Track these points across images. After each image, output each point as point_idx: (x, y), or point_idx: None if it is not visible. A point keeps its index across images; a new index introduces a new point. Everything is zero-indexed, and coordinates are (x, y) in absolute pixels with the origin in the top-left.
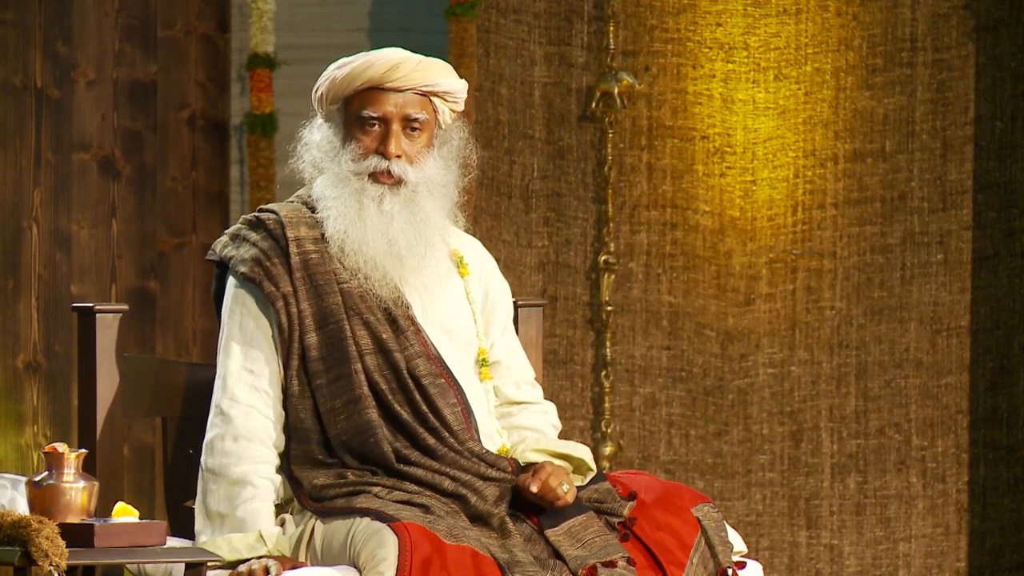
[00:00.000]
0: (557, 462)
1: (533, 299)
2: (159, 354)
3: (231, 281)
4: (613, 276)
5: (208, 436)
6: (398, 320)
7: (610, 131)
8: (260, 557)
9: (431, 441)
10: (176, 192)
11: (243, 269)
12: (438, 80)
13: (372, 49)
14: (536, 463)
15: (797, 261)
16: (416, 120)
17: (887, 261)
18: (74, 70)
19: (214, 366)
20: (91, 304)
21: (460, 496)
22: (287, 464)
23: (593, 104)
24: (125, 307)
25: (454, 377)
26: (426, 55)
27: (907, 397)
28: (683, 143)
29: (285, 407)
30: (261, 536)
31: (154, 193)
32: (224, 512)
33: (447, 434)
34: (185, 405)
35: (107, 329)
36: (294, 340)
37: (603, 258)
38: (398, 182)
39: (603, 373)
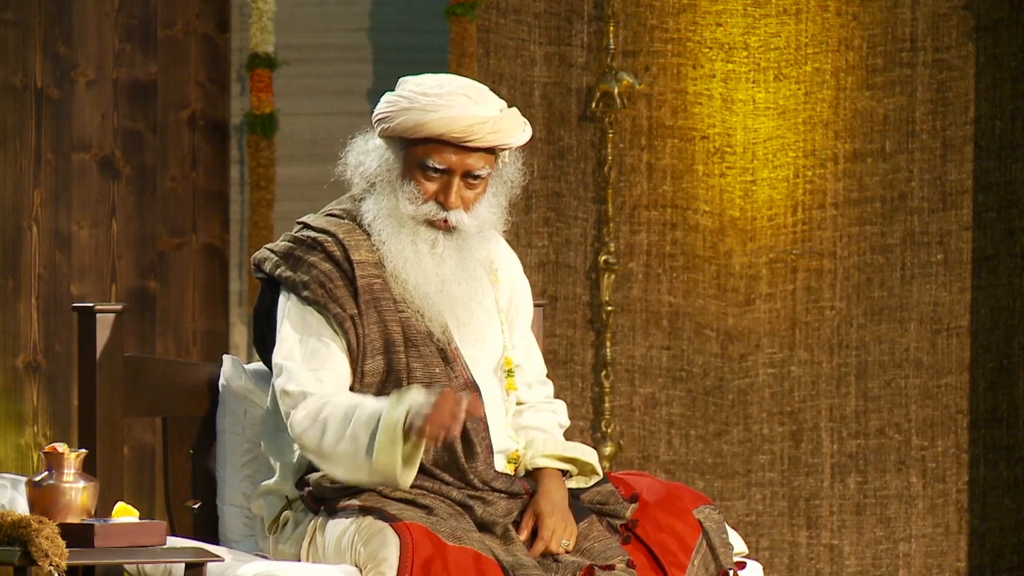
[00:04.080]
0: (564, 466)
1: (533, 299)
2: (159, 354)
3: (292, 300)
4: (613, 276)
5: (288, 424)
6: (446, 352)
7: (610, 131)
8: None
9: (447, 478)
10: (176, 192)
11: (306, 293)
12: (510, 141)
13: (372, 49)
14: (537, 509)
15: (797, 261)
16: (478, 176)
17: (887, 261)
18: (74, 70)
19: (214, 366)
20: (91, 304)
21: (467, 506)
22: (300, 472)
23: (593, 104)
24: (125, 307)
25: (483, 404)
26: (426, 55)
27: (907, 397)
28: (683, 143)
29: None
30: (383, 417)
31: (154, 193)
32: (339, 438)
33: (472, 476)
34: (185, 405)
35: (107, 329)
36: (357, 363)
37: (603, 258)
38: (452, 229)
39: (603, 373)
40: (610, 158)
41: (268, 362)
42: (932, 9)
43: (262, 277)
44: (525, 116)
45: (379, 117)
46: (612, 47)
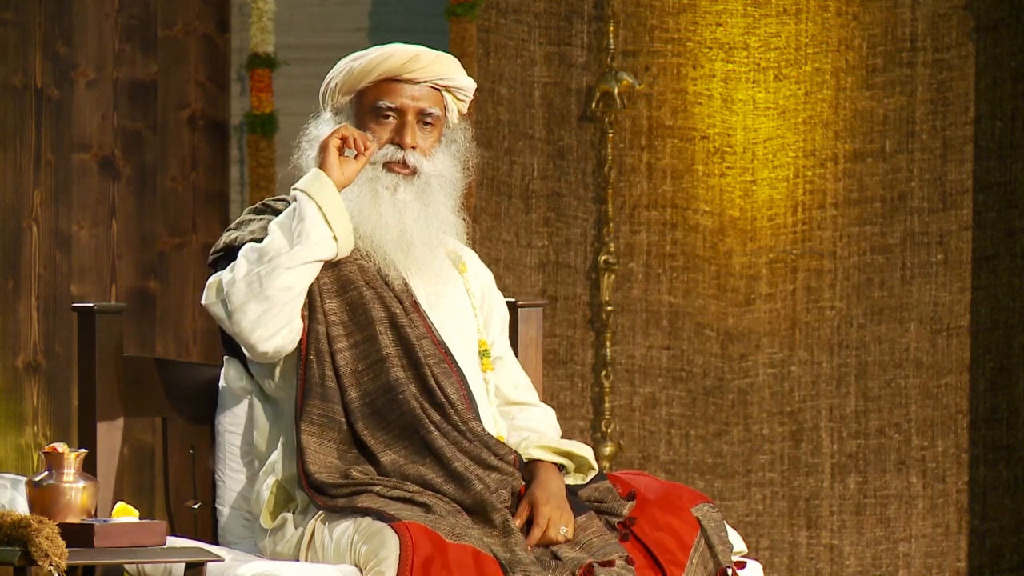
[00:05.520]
0: (559, 459)
1: (533, 299)
2: (159, 354)
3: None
4: (613, 276)
5: (226, 299)
6: (404, 303)
7: (610, 131)
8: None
9: (436, 417)
10: (176, 192)
11: (254, 237)
12: (454, 75)
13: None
14: (533, 498)
15: (797, 261)
16: (430, 115)
17: (887, 261)
18: (74, 70)
19: (214, 366)
20: (91, 304)
21: (466, 479)
22: (296, 435)
23: (593, 104)
24: (125, 307)
25: (456, 363)
26: None
27: (907, 397)
28: (683, 143)
29: (309, 368)
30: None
31: (154, 193)
32: (261, 245)
33: (451, 411)
34: (185, 405)
35: (107, 329)
36: (316, 305)
37: (603, 258)
38: (412, 172)
39: (603, 373)
40: (610, 158)
41: (227, 344)
42: (932, 9)
43: (218, 254)
44: (525, 116)
45: (324, 89)
46: (612, 47)
